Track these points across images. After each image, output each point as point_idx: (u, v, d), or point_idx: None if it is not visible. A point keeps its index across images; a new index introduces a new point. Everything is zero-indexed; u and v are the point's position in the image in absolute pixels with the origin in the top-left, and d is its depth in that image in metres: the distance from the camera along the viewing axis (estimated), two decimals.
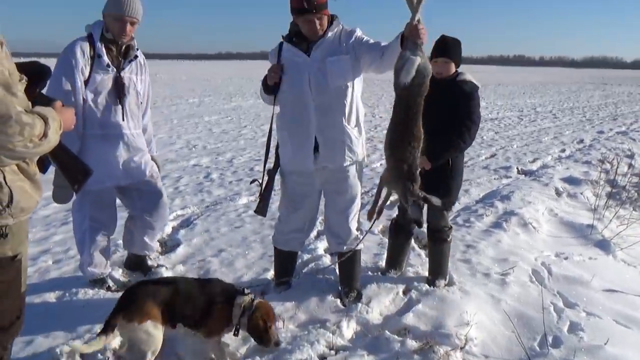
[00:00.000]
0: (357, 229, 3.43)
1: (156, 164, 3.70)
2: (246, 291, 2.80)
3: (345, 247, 3.38)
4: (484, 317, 3.30)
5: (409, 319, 3.20)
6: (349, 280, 3.49)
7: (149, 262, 3.90)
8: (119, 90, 3.26)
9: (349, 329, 3.11)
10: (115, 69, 3.26)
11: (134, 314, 2.52)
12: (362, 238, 3.44)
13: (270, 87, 3.23)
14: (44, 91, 2.09)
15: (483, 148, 9.85)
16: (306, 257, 4.16)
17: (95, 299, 3.44)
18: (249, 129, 11.95)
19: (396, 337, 2.98)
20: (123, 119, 3.31)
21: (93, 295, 3.48)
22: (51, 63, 2.69)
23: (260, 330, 2.70)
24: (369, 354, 2.84)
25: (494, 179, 7.38)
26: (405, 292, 3.63)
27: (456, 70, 3.55)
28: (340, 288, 3.53)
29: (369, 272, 3.88)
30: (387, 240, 4.61)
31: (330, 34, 3.12)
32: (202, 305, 2.70)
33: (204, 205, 5.78)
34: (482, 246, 4.51)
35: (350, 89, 3.15)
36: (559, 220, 5.52)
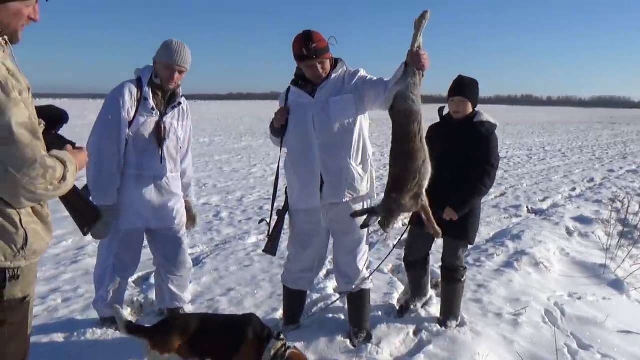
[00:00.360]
0: (366, 268, 3.42)
1: (191, 211, 3.75)
2: (281, 336, 2.75)
3: (354, 287, 3.36)
4: (496, 358, 3.24)
5: None
6: (358, 321, 3.46)
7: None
8: (159, 134, 3.32)
9: None
10: (158, 113, 3.34)
11: (159, 344, 2.62)
12: (370, 275, 3.42)
13: (277, 130, 3.32)
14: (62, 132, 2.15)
15: (493, 187, 9.81)
16: (315, 296, 4.13)
17: (104, 339, 3.42)
18: (259, 168, 12.04)
19: None
20: (161, 162, 3.37)
21: (101, 335, 3.46)
22: (66, 104, 2.75)
23: None
24: None
25: (504, 218, 7.34)
26: (415, 333, 3.58)
27: (474, 110, 3.60)
28: (349, 328, 3.49)
29: (379, 312, 3.83)
30: (396, 279, 4.62)
31: (334, 75, 3.20)
32: (231, 342, 2.69)
33: (214, 244, 5.78)
34: (494, 286, 4.46)
35: (355, 128, 3.20)
36: (570, 259, 5.46)
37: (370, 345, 3.30)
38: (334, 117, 3.15)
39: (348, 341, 3.39)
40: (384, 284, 4.47)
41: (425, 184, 2.94)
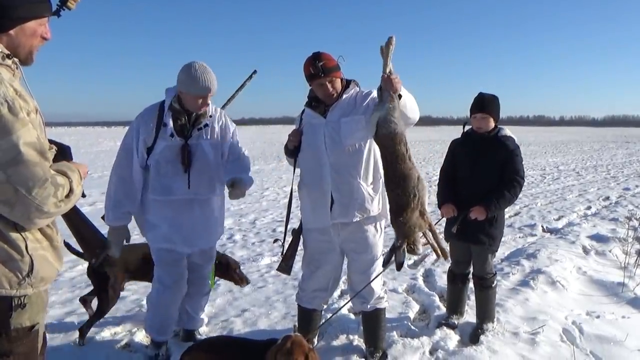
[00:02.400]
0: (381, 288, 3.40)
1: (237, 187, 3.29)
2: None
3: (369, 307, 3.35)
4: None
5: None
6: (374, 340, 3.44)
7: (198, 337, 3.82)
8: (184, 159, 3.26)
9: None
10: (178, 139, 3.27)
11: None
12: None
13: (291, 150, 3.36)
14: None
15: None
16: (330, 316, 4.11)
17: None
18: (271, 191, 12.08)
19: None
20: (189, 187, 3.29)
21: (117, 357, 3.47)
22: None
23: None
24: None
25: (519, 237, 7.28)
26: (432, 352, 3.55)
27: (496, 126, 3.74)
28: (365, 348, 3.46)
29: (394, 332, 3.79)
30: (410, 299, 4.59)
31: (345, 96, 3.25)
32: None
33: None
34: (510, 305, 4.41)
35: (366, 148, 3.22)
36: (588, 278, 5.38)
37: None
38: (345, 137, 3.17)
39: None
40: (398, 304, 4.45)
41: (426, 200, 3.03)
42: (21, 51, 1.82)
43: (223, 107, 3.65)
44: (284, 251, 3.41)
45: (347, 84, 3.29)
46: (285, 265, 3.42)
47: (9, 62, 1.76)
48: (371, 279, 3.27)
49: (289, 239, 3.44)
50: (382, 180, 3.31)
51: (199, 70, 3.13)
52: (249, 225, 8.19)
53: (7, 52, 1.75)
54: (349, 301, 3.51)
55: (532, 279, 5.08)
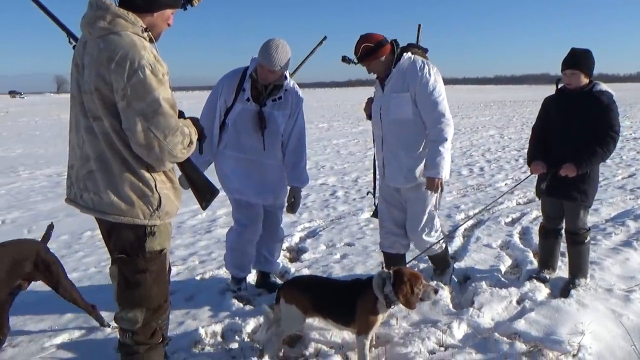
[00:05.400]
0: (435, 231, 3.81)
1: (294, 198, 3.85)
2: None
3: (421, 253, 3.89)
4: (602, 329, 3.26)
5: (520, 324, 3.27)
6: (438, 266, 4.09)
7: (272, 279, 4.13)
8: (258, 123, 3.56)
9: (460, 329, 3.25)
10: (254, 104, 3.55)
11: (287, 295, 3.01)
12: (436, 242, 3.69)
13: (367, 115, 3.91)
14: None
15: (620, 168, 9.26)
16: (423, 266, 4.36)
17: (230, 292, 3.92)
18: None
19: (505, 339, 3.08)
20: (264, 149, 3.60)
21: (230, 288, 3.97)
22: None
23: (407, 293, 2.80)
24: (477, 353, 2.98)
25: (629, 199, 6.96)
26: (519, 302, 3.68)
27: (591, 81, 3.67)
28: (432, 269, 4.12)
29: (483, 282, 3.94)
30: (504, 254, 4.70)
31: (394, 70, 3.53)
32: (346, 300, 2.92)
33: (329, 219, 6.20)
34: (608, 264, 4.38)
35: (413, 122, 3.53)
36: None
37: (471, 309, 3.48)
38: (393, 113, 3.56)
39: (450, 305, 3.61)
40: (490, 257, 4.58)
41: None
42: (154, 31, 2.23)
43: (294, 72, 3.91)
44: (376, 201, 3.91)
45: (400, 54, 3.54)
46: (377, 211, 3.98)
47: (146, 35, 2.16)
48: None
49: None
50: None
51: (274, 47, 3.38)
52: (351, 183, 8.53)
53: (145, 26, 2.16)
54: (426, 249, 3.83)
55: (637, 239, 4.96)
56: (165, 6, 2.21)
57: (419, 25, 3.91)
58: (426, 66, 3.48)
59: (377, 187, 4.01)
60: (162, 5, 2.20)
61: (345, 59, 3.57)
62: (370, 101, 3.83)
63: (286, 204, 3.89)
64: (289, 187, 3.86)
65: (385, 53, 3.50)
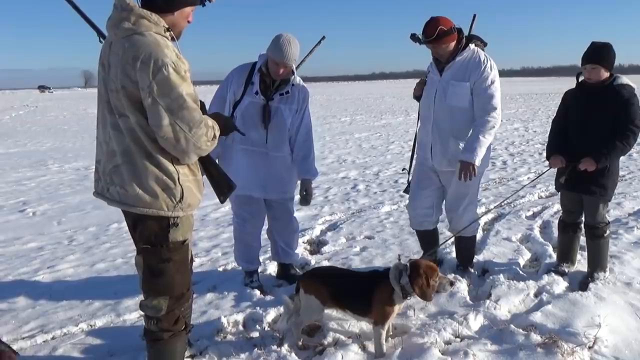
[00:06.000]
0: (473, 215, 3.99)
1: (305, 191, 3.88)
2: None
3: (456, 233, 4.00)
4: (619, 322, 3.27)
5: (537, 317, 3.30)
6: (463, 259, 4.21)
7: (292, 271, 4.19)
8: (264, 116, 3.62)
9: (476, 321, 3.30)
10: (262, 98, 3.61)
11: (306, 285, 3.08)
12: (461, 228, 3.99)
13: (416, 97, 3.99)
14: None
15: None
16: (446, 240, 4.40)
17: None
18: (397, 145, 12.35)
19: (521, 331, 3.12)
20: (266, 142, 3.66)
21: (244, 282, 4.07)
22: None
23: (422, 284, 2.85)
24: (492, 344, 3.01)
25: None
26: (536, 295, 3.70)
27: (611, 74, 3.66)
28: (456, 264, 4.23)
29: (501, 275, 3.96)
30: (523, 247, 4.71)
31: (459, 58, 3.60)
32: (363, 291, 2.97)
33: (350, 212, 6.26)
34: (628, 257, 4.36)
35: (465, 110, 3.62)
36: None
37: (488, 301, 3.52)
38: (450, 99, 3.64)
39: (467, 297, 3.66)
40: (509, 251, 4.59)
41: None
42: (176, 29, 2.33)
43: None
44: (410, 179, 4.17)
45: (466, 44, 3.60)
46: (409, 188, 4.17)
47: (168, 34, 2.25)
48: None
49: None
50: None
51: (285, 41, 3.45)
52: (373, 176, 8.58)
53: (167, 26, 2.25)
54: (464, 228, 3.95)
55: None
56: (185, 4, 2.31)
57: (474, 15, 3.86)
58: (488, 61, 3.63)
59: (413, 165, 4.14)
60: (181, 3, 2.30)
61: (414, 37, 3.58)
62: (422, 82, 3.92)
63: (298, 197, 3.93)
64: (299, 181, 3.92)
65: (455, 39, 3.60)
